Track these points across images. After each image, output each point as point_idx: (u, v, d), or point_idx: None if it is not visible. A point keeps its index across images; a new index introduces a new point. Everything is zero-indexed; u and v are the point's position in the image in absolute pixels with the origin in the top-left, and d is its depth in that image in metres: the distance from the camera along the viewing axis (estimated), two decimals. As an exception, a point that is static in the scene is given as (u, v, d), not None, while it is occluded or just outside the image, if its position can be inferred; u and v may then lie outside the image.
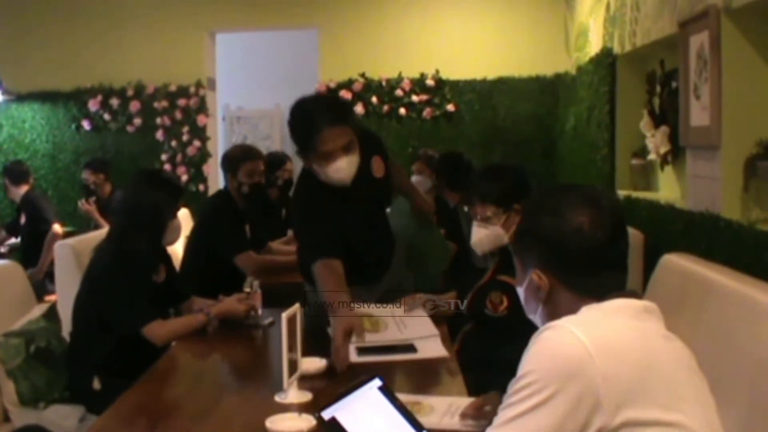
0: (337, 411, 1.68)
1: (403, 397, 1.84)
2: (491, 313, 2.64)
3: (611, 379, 1.31)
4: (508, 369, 2.48)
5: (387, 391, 1.80)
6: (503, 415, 1.37)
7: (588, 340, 1.33)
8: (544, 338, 1.39)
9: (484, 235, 2.67)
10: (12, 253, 5.73)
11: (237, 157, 3.97)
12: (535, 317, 1.60)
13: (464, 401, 2.01)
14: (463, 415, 1.97)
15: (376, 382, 1.81)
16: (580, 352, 1.32)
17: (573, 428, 1.31)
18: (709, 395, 1.47)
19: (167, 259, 3.20)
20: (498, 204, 2.66)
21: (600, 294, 1.46)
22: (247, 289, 3.12)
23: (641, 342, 1.39)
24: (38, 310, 3.20)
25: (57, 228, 5.62)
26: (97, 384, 2.84)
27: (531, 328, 1.56)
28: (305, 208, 2.90)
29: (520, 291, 1.60)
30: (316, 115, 2.65)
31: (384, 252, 3.15)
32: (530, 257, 1.53)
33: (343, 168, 2.66)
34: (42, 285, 5.12)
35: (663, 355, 1.40)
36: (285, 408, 1.99)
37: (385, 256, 3.16)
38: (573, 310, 1.46)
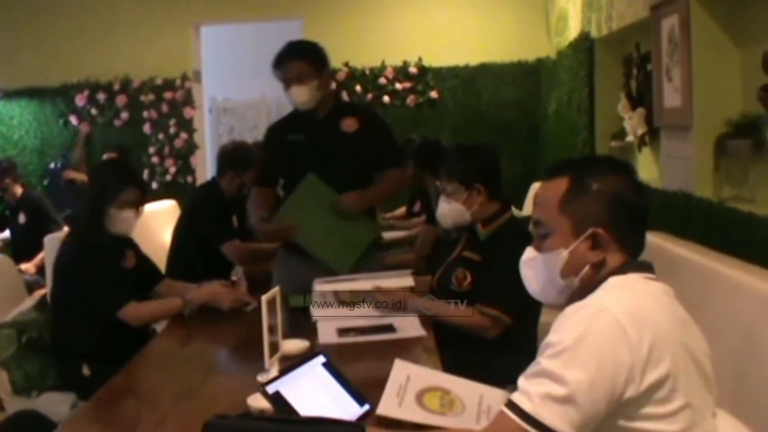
0: (282, 386, 1.73)
1: (428, 377, 1.87)
2: (456, 289, 2.73)
3: (648, 357, 1.36)
4: (480, 346, 2.57)
5: (331, 366, 1.87)
6: (544, 387, 1.35)
7: (623, 315, 1.37)
8: (586, 318, 1.39)
9: (447, 209, 2.77)
10: (3, 248, 5.76)
11: (248, 161, 4.03)
12: (570, 281, 1.56)
13: (494, 393, 1.84)
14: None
15: (320, 359, 1.88)
16: (617, 330, 1.36)
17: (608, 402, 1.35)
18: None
19: (133, 245, 3.22)
20: (460, 182, 2.73)
21: (637, 253, 1.57)
22: (234, 278, 3.18)
23: (669, 318, 1.44)
24: (29, 302, 3.25)
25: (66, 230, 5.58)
26: (86, 371, 2.89)
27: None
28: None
29: (563, 253, 1.55)
30: (279, 52, 3.23)
31: None
32: (591, 216, 1.53)
33: (295, 93, 3.20)
34: (36, 281, 5.16)
35: (685, 337, 1.45)
36: (267, 387, 2.05)
37: None
38: (614, 271, 1.51)
